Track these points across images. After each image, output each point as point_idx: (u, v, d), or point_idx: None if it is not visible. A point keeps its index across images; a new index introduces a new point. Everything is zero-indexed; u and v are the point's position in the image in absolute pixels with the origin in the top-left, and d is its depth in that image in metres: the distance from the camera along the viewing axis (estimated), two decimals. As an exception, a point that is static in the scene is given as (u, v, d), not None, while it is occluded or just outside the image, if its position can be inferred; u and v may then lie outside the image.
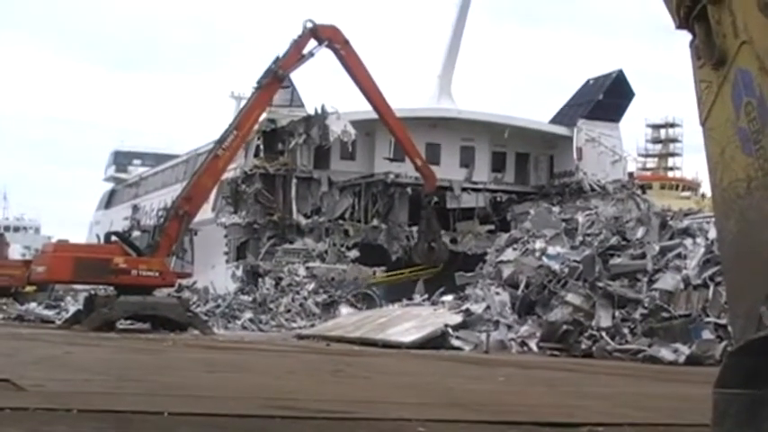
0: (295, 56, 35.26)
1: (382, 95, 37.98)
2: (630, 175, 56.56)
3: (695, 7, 4.19)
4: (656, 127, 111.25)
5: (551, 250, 27.20)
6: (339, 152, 51.36)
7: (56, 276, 34.84)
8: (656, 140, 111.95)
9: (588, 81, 56.27)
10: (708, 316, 21.42)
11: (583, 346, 22.73)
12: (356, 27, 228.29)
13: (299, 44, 35.26)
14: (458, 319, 25.93)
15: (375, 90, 37.59)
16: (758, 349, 3.84)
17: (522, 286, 26.66)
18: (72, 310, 38.27)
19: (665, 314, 22.15)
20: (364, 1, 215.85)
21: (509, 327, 25.36)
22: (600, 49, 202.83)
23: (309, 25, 35.31)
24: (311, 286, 41.95)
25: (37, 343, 22.24)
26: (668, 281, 23.00)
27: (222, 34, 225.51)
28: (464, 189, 52.49)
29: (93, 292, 37.31)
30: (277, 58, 35.10)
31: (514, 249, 29.00)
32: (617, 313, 23.07)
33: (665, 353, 20.69)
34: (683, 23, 4.31)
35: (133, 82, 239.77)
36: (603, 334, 22.61)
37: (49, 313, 40.62)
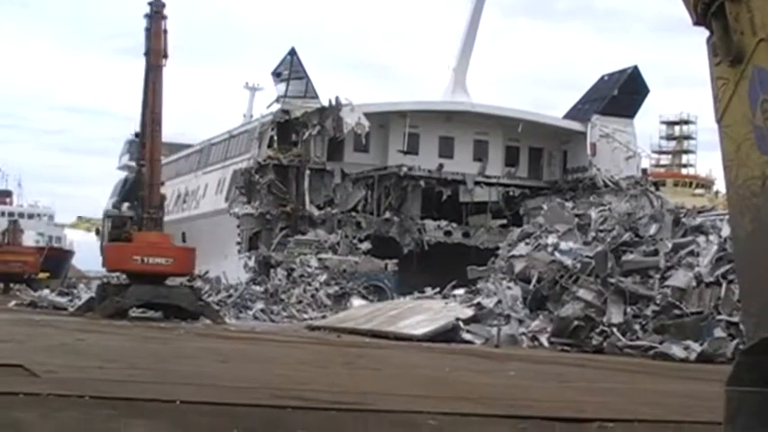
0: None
1: None
2: (644, 171, 56.27)
3: (713, 4, 4.18)
4: (671, 123, 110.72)
5: (564, 245, 27.13)
6: (353, 144, 51.32)
7: (183, 269, 34.15)
8: (670, 137, 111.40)
9: (603, 77, 56.08)
10: (720, 314, 21.36)
11: (594, 342, 22.71)
12: (373, 20, 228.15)
13: (160, 15, 35.64)
14: (469, 312, 25.94)
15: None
16: (771, 347, 3.84)
17: (533, 281, 26.63)
18: (85, 297, 38.37)
19: (676, 311, 22.10)
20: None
21: (520, 321, 25.36)
22: (615, 45, 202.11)
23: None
24: (323, 277, 41.95)
25: (50, 330, 22.37)
26: (680, 278, 22.95)
27: (236, 25, 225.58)
28: (477, 183, 52.37)
29: (105, 279, 37.40)
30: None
31: (527, 244, 28.95)
32: (628, 310, 23.02)
33: (677, 350, 20.65)
34: (700, 20, 4.30)
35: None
36: (615, 330, 22.57)
37: (62, 300, 40.68)
